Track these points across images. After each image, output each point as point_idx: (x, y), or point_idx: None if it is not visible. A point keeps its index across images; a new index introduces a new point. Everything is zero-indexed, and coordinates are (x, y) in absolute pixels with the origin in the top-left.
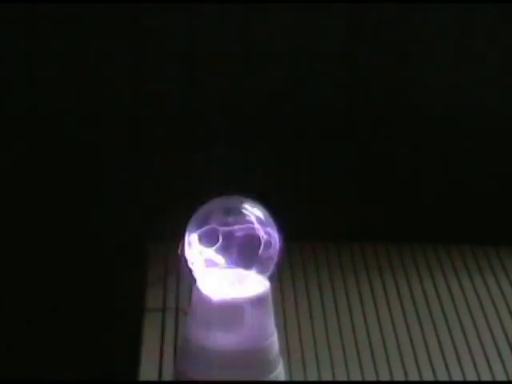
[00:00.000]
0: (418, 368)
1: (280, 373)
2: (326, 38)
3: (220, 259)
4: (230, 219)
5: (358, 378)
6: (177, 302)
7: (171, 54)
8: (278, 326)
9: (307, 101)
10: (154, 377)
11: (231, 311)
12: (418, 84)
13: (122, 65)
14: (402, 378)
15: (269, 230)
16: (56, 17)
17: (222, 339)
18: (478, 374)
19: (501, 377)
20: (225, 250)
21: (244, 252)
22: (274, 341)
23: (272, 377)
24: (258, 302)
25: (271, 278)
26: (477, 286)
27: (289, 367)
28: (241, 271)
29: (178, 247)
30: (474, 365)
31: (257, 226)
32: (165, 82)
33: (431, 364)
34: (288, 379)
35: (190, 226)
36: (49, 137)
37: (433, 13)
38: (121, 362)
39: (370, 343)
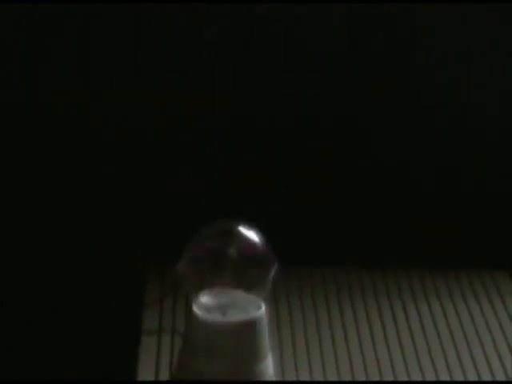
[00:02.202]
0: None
1: None
2: (327, 38)
3: (216, 282)
4: (226, 242)
5: None
6: (173, 324)
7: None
8: (273, 348)
9: (305, 113)
10: None
11: (226, 334)
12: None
13: (123, 74)
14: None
15: (263, 252)
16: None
17: (216, 361)
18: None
19: None
20: (221, 273)
21: (240, 274)
22: (268, 363)
23: None
24: (253, 324)
25: (267, 301)
26: (471, 311)
27: None
28: (236, 294)
29: (174, 269)
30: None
31: (252, 248)
32: (165, 93)
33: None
34: None
35: (186, 249)
36: (51, 141)
37: (433, 13)
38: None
39: (365, 365)
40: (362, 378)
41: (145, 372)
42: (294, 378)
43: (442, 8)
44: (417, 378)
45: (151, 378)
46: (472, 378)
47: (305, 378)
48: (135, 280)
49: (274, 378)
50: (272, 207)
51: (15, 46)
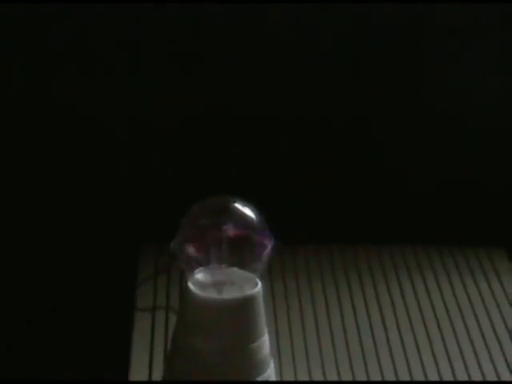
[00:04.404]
0: (409, 369)
1: (271, 374)
2: (327, 38)
3: (211, 259)
4: (221, 219)
5: (349, 378)
6: (167, 301)
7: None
8: (268, 326)
9: (303, 101)
10: (144, 377)
11: (221, 311)
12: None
13: (121, 69)
14: (392, 378)
15: (259, 229)
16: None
17: (211, 339)
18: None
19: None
20: (216, 250)
21: (235, 252)
22: (264, 341)
23: (262, 378)
24: (248, 302)
25: (262, 278)
26: (468, 288)
27: (279, 368)
28: (232, 271)
29: (169, 247)
30: (466, 367)
31: (247, 225)
32: (166, 83)
33: (423, 367)
34: (278, 380)
35: (181, 226)
36: (45, 137)
37: (433, 13)
38: (112, 361)
39: (361, 343)
40: (359, 355)
41: (138, 350)
42: (289, 356)
43: (443, 8)
44: (413, 357)
45: (145, 356)
46: (469, 355)
47: (300, 356)
48: (128, 259)
49: (269, 357)
50: (266, 183)
51: (15, 46)
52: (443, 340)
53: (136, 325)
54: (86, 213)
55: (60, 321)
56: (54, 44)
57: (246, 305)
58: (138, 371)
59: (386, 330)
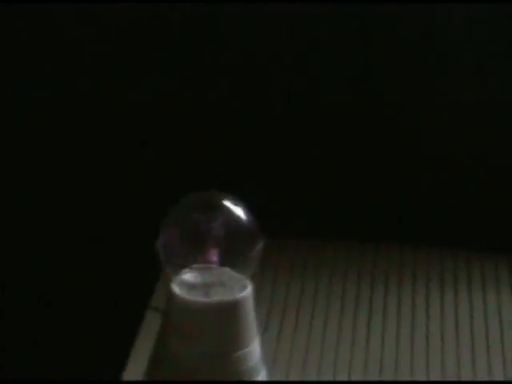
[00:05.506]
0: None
1: (262, 380)
2: (331, 38)
3: (199, 258)
4: (209, 216)
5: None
6: None
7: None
8: (270, 328)
9: (300, 94)
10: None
11: (206, 315)
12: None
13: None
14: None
15: (250, 227)
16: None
17: (194, 345)
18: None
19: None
20: (204, 249)
21: (225, 251)
22: (254, 348)
23: None
24: (237, 305)
25: (253, 279)
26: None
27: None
28: (222, 271)
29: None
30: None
31: (238, 223)
32: (167, 82)
33: (412, 368)
34: None
35: (167, 222)
36: (53, 135)
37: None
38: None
39: (353, 344)
40: (362, 358)
41: (140, 350)
42: (285, 361)
43: (442, 8)
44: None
45: (145, 356)
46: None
47: (298, 360)
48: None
49: (260, 365)
50: (256, 179)
51: (15, 46)
52: (442, 343)
53: (144, 324)
54: (101, 211)
55: (64, 320)
56: (54, 44)
57: (232, 309)
58: (133, 370)
59: (368, 326)
